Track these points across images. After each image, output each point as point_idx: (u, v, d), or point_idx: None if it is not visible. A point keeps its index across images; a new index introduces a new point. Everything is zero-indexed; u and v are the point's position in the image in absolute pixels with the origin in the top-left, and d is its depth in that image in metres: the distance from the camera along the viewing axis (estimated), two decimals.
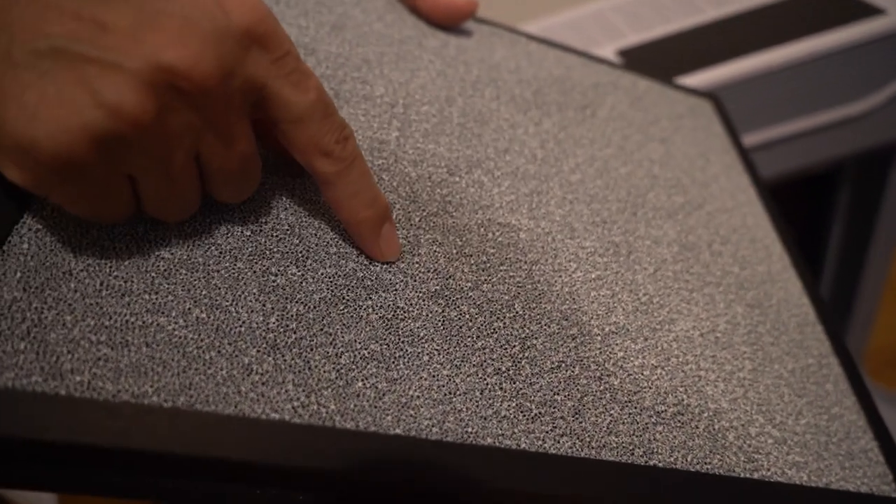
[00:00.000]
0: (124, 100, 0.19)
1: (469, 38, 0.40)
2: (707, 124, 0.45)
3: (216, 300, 0.23)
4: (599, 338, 0.28)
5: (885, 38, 0.52)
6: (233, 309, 0.23)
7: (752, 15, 0.56)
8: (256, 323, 0.23)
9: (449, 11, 0.38)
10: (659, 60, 0.52)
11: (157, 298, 0.22)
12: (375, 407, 0.22)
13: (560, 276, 0.29)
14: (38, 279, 0.21)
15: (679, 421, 0.27)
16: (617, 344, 0.28)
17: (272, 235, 0.25)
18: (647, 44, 0.54)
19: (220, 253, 0.24)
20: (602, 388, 0.26)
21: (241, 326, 0.23)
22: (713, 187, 0.39)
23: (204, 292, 0.23)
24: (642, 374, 0.28)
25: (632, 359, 0.28)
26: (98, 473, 0.20)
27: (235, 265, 0.24)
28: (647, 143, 0.40)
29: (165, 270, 0.23)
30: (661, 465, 0.25)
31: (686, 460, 0.26)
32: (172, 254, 0.24)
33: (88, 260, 0.22)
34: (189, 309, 0.22)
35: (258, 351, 0.22)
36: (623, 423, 0.26)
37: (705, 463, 0.26)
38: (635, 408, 0.26)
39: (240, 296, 0.23)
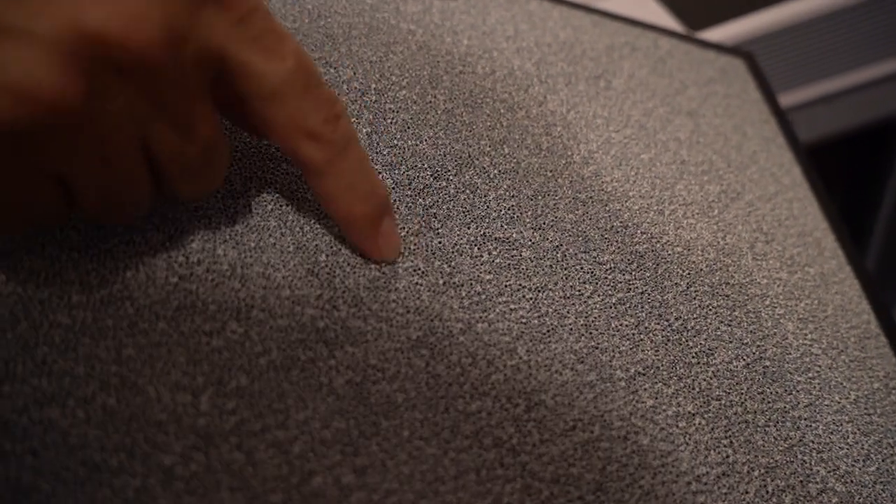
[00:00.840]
0: (38, 80, 0.14)
1: (456, 0, 0.34)
2: (741, 89, 0.38)
3: (129, 378, 0.18)
4: (623, 383, 0.23)
5: None
6: (151, 389, 0.18)
7: None
8: (183, 406, 0.18)
9: None
10: (701, 2, 0.45)
11: (48, 384, 0.17)
12: None
13: (573, 305, 0.24)
14: None
15: (725, 486, 0.22)
16: (645, 389, 0.23)
17: (206, 280, 0.20)
18: None
19: (137, 311, 0.19)
20: (628, 451, 0.21)
21: (162, 413, 0.18)
22: (752, 169, 0.33)
23: (113, 368, 0.18)
24: (678, 426, 0.22)
25: (664, 407, 0.23)
26: None
27: (156, 326, 0.19)
28: (672, 118, 0.33)
29: (62, 342, 0.18)
30: None
31: None
32: (72, 317, 0.18)
33: None
34: (93, 394, 0.17)
35: (184, 446, 0.17)
36: (656, 496, 0.21)
37: None
38: (670, 473, 0.21)
39: (161, 369, 0.18)
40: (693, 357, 0.24)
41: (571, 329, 0.23)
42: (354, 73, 0.27)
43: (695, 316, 0.26)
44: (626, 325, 0.24)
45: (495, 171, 0.27)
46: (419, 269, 0.23)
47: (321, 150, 0.19)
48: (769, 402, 0.24)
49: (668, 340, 0.24)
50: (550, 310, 0.23)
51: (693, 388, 0.24)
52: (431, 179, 0.25)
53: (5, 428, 0.16)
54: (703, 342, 0.25)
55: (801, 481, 0.23)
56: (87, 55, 0.14)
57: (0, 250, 0.19)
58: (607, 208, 0.28)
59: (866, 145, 0.60)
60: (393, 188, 0.25)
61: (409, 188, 0.25)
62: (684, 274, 0.27)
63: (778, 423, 0.24)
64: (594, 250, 0.26)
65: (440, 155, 0.26)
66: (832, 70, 0.47)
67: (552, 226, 0.26)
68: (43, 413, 0.17)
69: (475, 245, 0.24)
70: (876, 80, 0.48)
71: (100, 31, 0.14)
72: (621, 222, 0.27)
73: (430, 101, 0.28)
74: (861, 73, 0.47)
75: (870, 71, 0.47)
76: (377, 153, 0.25)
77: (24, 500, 0.15)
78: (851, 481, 0.24)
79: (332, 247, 0.22)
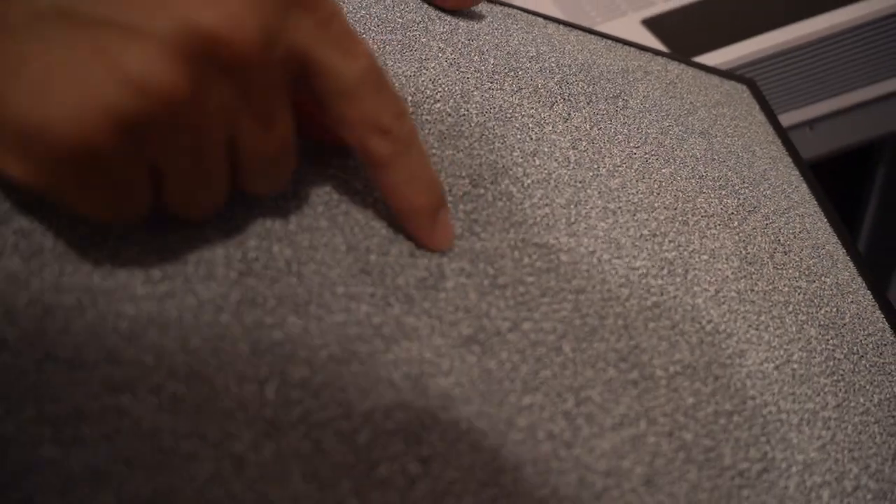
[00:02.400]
0: (154, 74, 0.15)
1: (480, 21, 0.35)
2: (747, 112, 0.40)
3: (196, 368, 0.18)
4: (664, 381, 0.23)
5: None
6: (218, 378, 0.18)
7: None
8: (249, 395, 0.18)
9: None
10: (688, 32, 0.47)
11: (118, 372, 0.17)
12: (407, 499, 0.18)
13: (612, 307, 0.25)
14: None
15: (766, 481, 0.22)
16: (685, 388, 0.23)
17: (264, 276, 0.20)
18: (675, 11, 0.49)
19: (200, 304, 0.19)
20: (674, 446, 0.22)
21: (230, 402, 0.18)
22: (764, 186, 0.35)
23: (180, 358, 0.18)
24: (717, 423, 0.23)
25: (704, 405, 0.23)
26: None
27: (219, 318, 0.19)
28: (687, 136, 0.35)
29: (129, 332, 0.18)
30: None
31: None
32: (138, 309, 0.18)
33: (25, 324, 0.17)
34: (161, 383, 0.17)
35: (253, 434, 0.17)
36: (703, 489, 0.21)
37: None
38: (714, 468, 0.22)
39: (226, 360, 0.18)
40: (727, 359, 0.25)
41: (612, 329, 0.24)
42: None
43: (725, 320, 0.26)
44: (663, 328, 0.25)
45: (529, 181, 0.28)
46: (465, 270, 0.23)
47: (389, 145, 0.20)
48: (800, 403, 0.25)
49: (703, 342, 0.25)
50: (591, 311, 0.24)
51: (729, 388, 0.24)
52: (470, 187, 0.26)
53: (79, 414, 0.16)
54: (734, 345, 0.26)
55: (837, 478, 0.23)
56: (196, 52, 0.15)
57: (66, 244, 0.19)
58: (636, 217, 0.29)
59: (847, 167, 0.62)
60: None
61: (451, 195, 0.25)
62: (712, 280, 0.28)
63: (810, 422, 0.25)
64: (627, 256, 0.27)
65: (476, 164, 0.27)
66: (811, 98, 0.50)
67: (585, 233, 0.27)
68: (115, 400, 0.17)
69: (515, 249, 0.25)
70: (855, 105, 0.51)
71: (209, 31, 0.15)
72: (650, 231, 0.28)
73: (464, 115, 0.29)
74: (839, 100, 0.50)
75: (849, 97, 0.50)
76: None
77: (99, 485, 0.15)
78: (883, 479, 0.24)
79: (381, 247, 0.23)
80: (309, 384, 0.19)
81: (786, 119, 0.49)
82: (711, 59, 0.46)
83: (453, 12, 0.34)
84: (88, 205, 0.17)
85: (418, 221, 0.22)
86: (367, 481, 0.17)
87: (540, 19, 0.37)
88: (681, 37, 0.48)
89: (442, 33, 0.32)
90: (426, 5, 0.34)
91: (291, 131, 0.19)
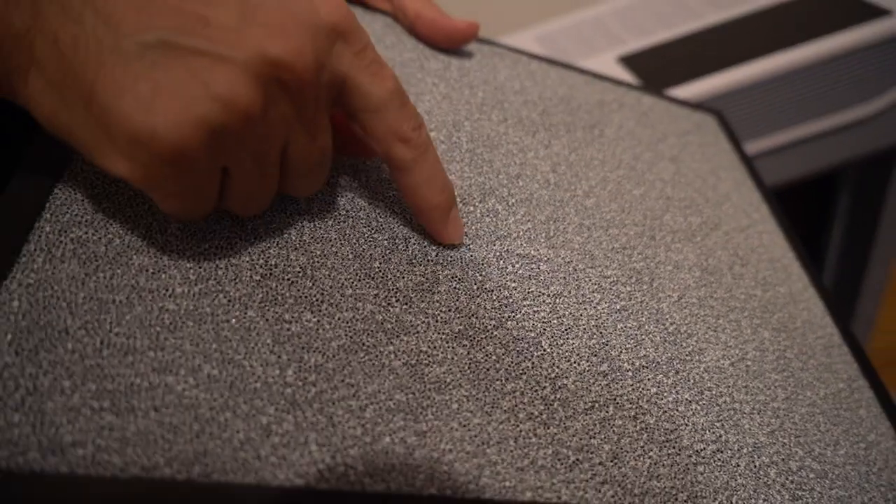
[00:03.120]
0: (237, 92, 0.19)
1: (470, 59, 0.39)
2: (713, 140, 0.44)
3: (228, 354, 0.21)
4: (630, 373, 0.27)
5: (892, 40, 0.51)
6: (246, 363, 0.21)
7: (752, 19, 0.55)
8: (273, 377, 0.21)
9: (449, 34, 0.37)
10: (660, 68, 0.51)
11: (163, 356, 0.20)
12: (406, 465, 0.21)
13: (585, 309, 0.28)
14: (32, 341, 0.19)
15: (720, 459, 0.25)
16: (649, 379, 0.27)
17: (283, 279, 0.24)
18: (648, 50, 0.53)
19: (229, 301, 0.22)
20: (638, 428, 0.25)
21: (256, 382, 0.21)
22: (726, 206, 0.38)
23: (214, 346, 0.21)
24: (677, 409, 0.26)
25: (665, 394, 0.27)
26: None
27: (246, 314, 0.22)
28: (657, 161, 0.39)
29: (171, 324, 0.21)
30: None
31: (731, 503, 0.24)
32: (178, 304, 0.22)
33: (86, 316, 0.20)
34: (199, 366, 0.21)
35: (276, 409, 0.20)
36: (663, 465, 0.24)
37: None
38: (674, 447, 0.25)
39: (253, 348, 0.22)
40: (687, 355, 0.28)
41: (584, 328, 0.27)
42: None
43: (686, 322, 0.30)
44: (630, 328, 0.28)
45: (513, 200, 0.31)
46: (456, 276, 0.27)
47: (410, 151, 0.24)
48: (752, 394, 0.28)
49: (665, 341, 0.29)
50: (567, 312, 0.27)
51: (688, 381, 0.28)
52: (461, 205, 0.30)
53: (132, 389, 0.19)
54: (694, 344, 0.29)
55: (783, 458, 0.27)
56: (267, 75, 0.19)
57: (116, 252, 0.22)
58: (608, 233, 0.32)
59: (815, 189, 0.67)
60: None
61: None
62: (675, 288, 0.31)
63: (761, 411, 0.28)
64: (599, 266, 0.30)
65: (466, 185, 0.31)
66: (775, 127, 0.54)
67: (563, 245, 0.30)
68: (160, 378, 0.20)
69: (500, 259, 0.28)
70: (815, 134, 0.55)
71: (277, 59, 0.19)
72: (621, 244, 0.32)
73: (456, 142, 0.33)
74: (800, 129, 0.54)
75: (809, 127, 0.54)
76: None
77: (150, 448, 0.19)
78: (825, 461, 0.28)
79: (383, 256, 0.26)
80: (322, 369, 0.22)
81: (752, 147, 0.53)
82: (683, 92, 0.50)
83: (446, 51, 0.38)
84: (171, 200, 0.20)
85: (435, 217, 0.26)
86: (371, 449, 0.21)
87: (524, 57, 0.41)
88: (654, 72, 0.52)
89: (436, 70, 0.36)
90: (421, 45, 0.38)
91: (330, 141, 0.23)
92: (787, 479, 0.26)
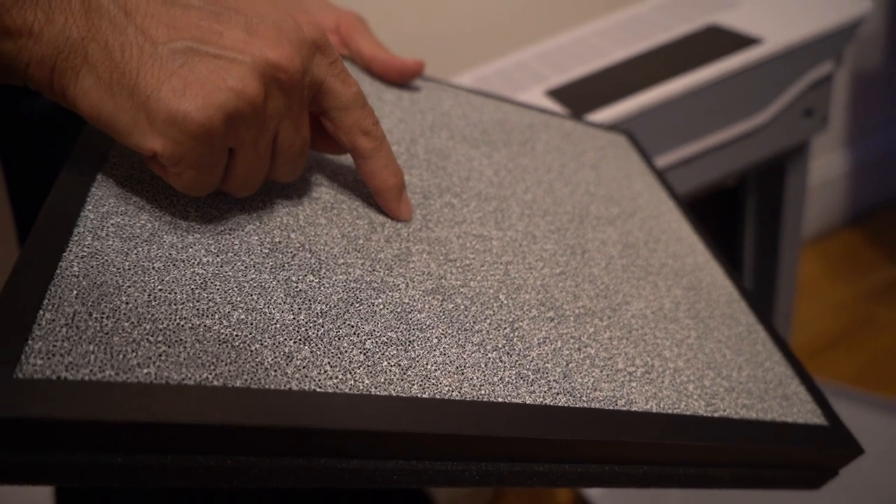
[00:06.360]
0: (247, 84, 0.25)
1: (419, 91, 0.46)
2: (625, 153, 0.52)
3: (251, 304, 0.26)
4: (573, 318, 0.33)
5: (764, 62, 0.62)
6: (266, 311, 0.26)
7: (653, 53, 0.66)
8: (289, 320, 0.26)
9: (399, 71, 0.44)
10: (581, 97, 0.60)
11: (200, 305, 0.25)
12: (402, 380, 0.26)
13: (531, 273, 0.34)
14: (94, 295, 0.24)
15: (648, 378, 0.32)
16: (588, 322, 0.33)
17: (287, 252, 0.29)
18: (569, 84, 0.63)
19: (246, 268, 0.28)
20: (582, 356, 0.31)
21: (276, 324, 0.26)
22: (640, 200, 0.46)
23: (238, 298, 0.26)
24: (612, 344, 0.32)
25: (601, 333, 0.33)
26: (183, 456, 0.22)
27: (261, 276, 0.27)
28: (580, 169, 0.46)
29: (202, 283, 0.26)
30: (640, 410, 0.29)
31: (659, 407, 0.30)
32: (205, 270, 0.27)
33: (133, 278, 0.25)
34: (229, 312, 0.25)
35: (295, 342, 0.25)
36: (604, 381, 0.30)
37: (674, 409, 0.31)
38: (611, 370, 0.31)
39: (270, 300, 0.27)
40: (616, 305, 0.35)
41: (532, 287, 0.33)
42: None
43: (614, 283, 0.37)
44: (569, 286, 0.35)
45: (465, 196, 0.38)
46: (426, 250, 0.33)
47: (370, 142, 0.31)
48: (670, 334, 0.35)
49: (598, 295, 0.35)
50: (517, 275, 0.34)
51: (619, 323, 0.34)
52: (423, 199, 0.36)
53: (179, 328, 0.24)
54: (621, 298, 0.36)
55: (699, 378, 0.33)
56: (268, 74, 0.25)
57: (149, 234, 0.27)
58: (545, 219, 0.39)
59: (725, 200, 0.77)
60: None
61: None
62: (603, 258, 0.38)
63: (678, 345, 0.35)
64: (540, 243, 0.37)
65: (426, 185, 0.37)
66: (680, 141, 0.63)
67: (509, 228, 0.37)
68: (200, 321, 0.25)
69: (460, 238, 0.34)
70: (726, 142, 0.65)
71: (276, 61, 0.26)
72: (556, 227, 0.39)
73: (414, 153, 0.39)
74: (714, 137, 0.64)
75: (720, 135, 0.64)
76: None
77: (199, 369, 0.23)
78: (732, 380, 0.34)
79: (365, 236, 0.32)
80: (328, 314, 0.27)
81: (661, 160, 0.62)
82: (600, 116, 0.59)
83: (398, 85, 0.45)
84: (190, 173, 0.26)
85: (391, 197, 0.32)
86: (373, 370, 0.26)
87: (463, 91, 0.49)
88: (576, 100, 0.61)
89: (391, 100, 0.43)
90: (377, 81, 0.45)
91: (309, 133, 0.29)
92: (702, 391, 0.32)
